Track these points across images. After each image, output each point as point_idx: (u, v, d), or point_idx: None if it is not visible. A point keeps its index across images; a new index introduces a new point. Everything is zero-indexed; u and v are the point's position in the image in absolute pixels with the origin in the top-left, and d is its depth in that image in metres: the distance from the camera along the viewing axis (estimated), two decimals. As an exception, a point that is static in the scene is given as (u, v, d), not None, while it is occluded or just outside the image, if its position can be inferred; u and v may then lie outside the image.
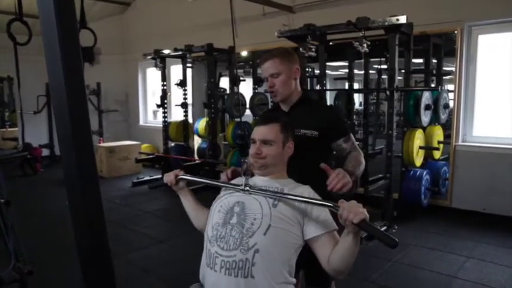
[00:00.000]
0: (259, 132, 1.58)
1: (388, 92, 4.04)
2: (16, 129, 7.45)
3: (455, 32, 4.36)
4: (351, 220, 1.23)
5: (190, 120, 6.63)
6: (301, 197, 1.42)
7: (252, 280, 1.32)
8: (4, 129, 8.08)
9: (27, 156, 6.59)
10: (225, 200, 1.51)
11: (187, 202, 1.75)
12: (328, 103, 5.37)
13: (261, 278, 1.32)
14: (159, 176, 6.39)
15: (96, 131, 7.90)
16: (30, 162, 6.79)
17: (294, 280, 1.43)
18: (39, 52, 0.91)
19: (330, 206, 1.32)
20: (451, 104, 4.69)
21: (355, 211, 1.23)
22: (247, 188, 1.48)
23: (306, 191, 1.52)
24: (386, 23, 3.77)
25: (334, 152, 1.92)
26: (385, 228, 3.96)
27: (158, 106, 6.48)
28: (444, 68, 5.15)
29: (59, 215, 2.50)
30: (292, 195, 1.44)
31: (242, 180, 1.51)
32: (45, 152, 7.50)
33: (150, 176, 6.46)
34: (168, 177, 1.70)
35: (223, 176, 1.76)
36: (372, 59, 5.46)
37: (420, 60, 5.25)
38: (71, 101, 0.89)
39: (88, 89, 7.92)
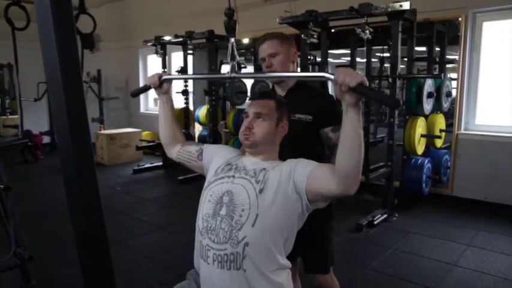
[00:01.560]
0: (254, 105, 1.53)
1: (390, 80, 4.01)
2: (17, 116, 7.45)
3: (459, 19, 4.29)
4: (348, 84, 1.12)
5: (191, 107, 6.60)
6: (290, 75, 1.44)
7: (244, 272, 1.32)
8: (5, 117, 8.07)
9: (28, 143, 6.59)
10: (214, 188, 1.47)
11: (166, 109, 1.72)
12: (330, 91, 5.34)
13: (253, 269, 1.32)
14: (160, 163, 6.40)
15: (96, 119, 7.88)
16: (31, 149, 6.80)
17: (289, 264, 1.42)
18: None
19: (325, 76, 1.23)
20: (454, 92, 4.65)
21: (351, 74, 1.13)
22: (234, 74, 1.46)
23: (288, 160, 1.45)
24: (389, 10, 3.72)
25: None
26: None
27: (159, 93, 6.44)
28: (447, 56, 5.10)
29: (59, 201, 2.50)
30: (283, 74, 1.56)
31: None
32: (46, 139, 7.50)
33: (151, 163, 6.46)
34: (152, 79, 1.66)
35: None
36: (374, 47, 5.41)
37: (423, 48, 5.21)
38: (67, 88, 0.87)
39: (88, 76, 7.88)
